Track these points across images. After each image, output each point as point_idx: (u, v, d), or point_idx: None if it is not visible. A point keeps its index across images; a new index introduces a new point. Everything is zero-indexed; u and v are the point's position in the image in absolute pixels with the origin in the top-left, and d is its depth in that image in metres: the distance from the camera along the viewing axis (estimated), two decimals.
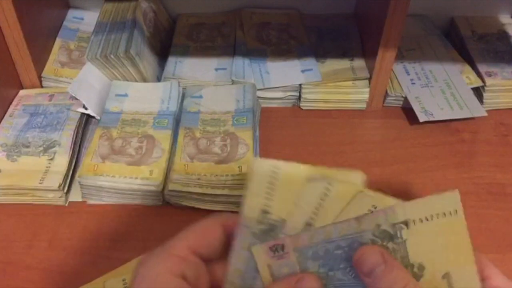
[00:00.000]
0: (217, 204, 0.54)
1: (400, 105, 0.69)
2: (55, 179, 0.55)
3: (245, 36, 0.74)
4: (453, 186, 0.62)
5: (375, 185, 0.30)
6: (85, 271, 0.49)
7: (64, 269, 0.50)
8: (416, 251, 0.28)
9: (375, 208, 0.29)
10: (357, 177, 0.30)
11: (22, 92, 0.67)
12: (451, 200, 0.28)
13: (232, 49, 0.72)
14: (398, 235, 0.28)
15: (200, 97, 0.65)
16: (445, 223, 0.28)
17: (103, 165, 0.55)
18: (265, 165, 0.30)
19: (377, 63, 0.63)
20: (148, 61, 0.68)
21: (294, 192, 0.30)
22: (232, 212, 0.33)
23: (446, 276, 0.28)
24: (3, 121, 0.62)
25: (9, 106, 0.64)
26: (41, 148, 0.58)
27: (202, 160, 0.56)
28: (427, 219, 0.28)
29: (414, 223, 0.28)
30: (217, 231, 0.31)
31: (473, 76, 0.69)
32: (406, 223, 0.28)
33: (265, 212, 0.30)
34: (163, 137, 0.59)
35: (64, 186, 0.55)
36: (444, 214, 0.28)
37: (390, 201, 0.29)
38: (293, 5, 0.79)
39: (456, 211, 0.28)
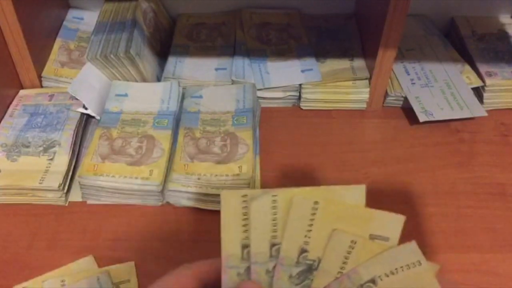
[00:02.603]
0: (217, 204, 0.54)
1: (400, 105, 0.69)
2: (55, 179, 0.55)
3: (245, 36, 0.74)
4: (453, 186, 0.63)
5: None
6: None
7: None
8: None
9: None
10: (358, 192, 0.28)
11: (22, 92, 0.67)
12: (410, 251, 0.28)
13: (232, 49, 0.72)
14: None
15: (200, 97, 0.65)
16: (412, 274, 0.28)
17: (103, 165, 0.55)
18: (236, 196, 0.28)
19: (377, 63, 0.63)
20: (148, 61, 0.68)
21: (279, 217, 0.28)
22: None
23: None
24: (3, 121, 0.62)
25: (9, 106, 0.64)
26: (41, 148, 0.58)
27: (202, 160, 0.56)
28: (392, 273, 0.28)
29: (381, 279, 0.28)
30: (191, 283, 0.29)
31: (473, 76, 0.69)
32: (373, 281, 0.28)
33: (246, 246, 0.28)
34: (163, 137, 0.59)
35: (64, 186, 0.55)
36: (408, 266, 0.28)
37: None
38: (293, 5, 0.79)
39: (420, 261, 0.28)
